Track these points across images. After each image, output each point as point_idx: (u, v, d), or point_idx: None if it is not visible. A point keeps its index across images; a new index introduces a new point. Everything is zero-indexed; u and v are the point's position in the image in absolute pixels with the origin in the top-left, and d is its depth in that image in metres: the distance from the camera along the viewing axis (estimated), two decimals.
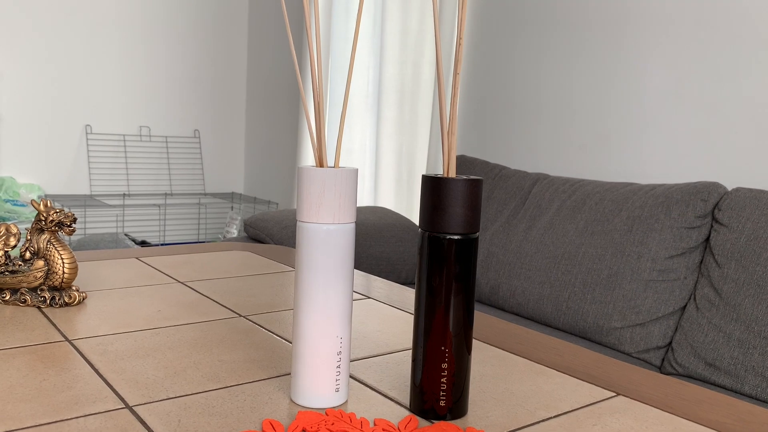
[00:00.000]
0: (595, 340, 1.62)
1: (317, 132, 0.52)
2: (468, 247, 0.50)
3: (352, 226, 0.52)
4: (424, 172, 2.60)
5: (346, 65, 2.83)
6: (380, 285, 0.95)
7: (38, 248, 0.74)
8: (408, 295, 0.90)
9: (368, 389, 0.57)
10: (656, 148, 1.85)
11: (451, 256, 0.49)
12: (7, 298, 0.74)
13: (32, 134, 3.14)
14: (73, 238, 3.08)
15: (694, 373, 1.45)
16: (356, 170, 0.52)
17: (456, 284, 0.50)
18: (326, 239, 0.50)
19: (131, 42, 3.34)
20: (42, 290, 0.74)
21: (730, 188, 1.58)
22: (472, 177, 0.49)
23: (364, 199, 2.71)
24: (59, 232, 0.75)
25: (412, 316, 0.79)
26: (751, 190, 1.50)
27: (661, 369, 1.54)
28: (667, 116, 1.83)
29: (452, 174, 0.50)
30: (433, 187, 0.49)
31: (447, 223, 0.49)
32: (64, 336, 0.65)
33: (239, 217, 3.39)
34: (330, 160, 2.71)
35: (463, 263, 0.50)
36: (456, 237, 0.49)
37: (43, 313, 0.72)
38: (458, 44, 0.49)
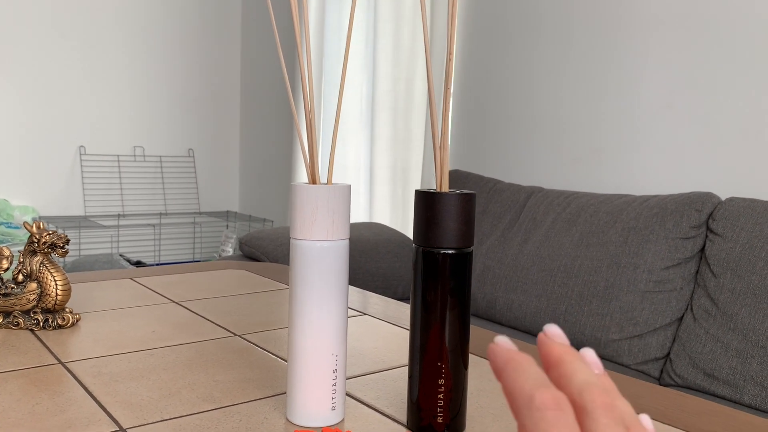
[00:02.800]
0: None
1: (309, 149, 0.52)
2: (462, 262, 0.49)
3: (346, 242, 0.52)
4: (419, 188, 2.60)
5: (339, 83, 2.84)
6: (376, 301, 0.94)
7: (31, 270, 0.74)
8: (404, 310, 0.89)
9: (365, 407, 0.56)
10: (650, 159, 1.86)
11: (445, 270, 0.49)
12: (0, 321, 0.74)
13: (26, 156, 3.14)
14: (68, 259, 3.06)
15: (693, 384, 1.44)
16: (349, 186, 0.52)
17: (451, 299, 0.49)
18: (320, 256, 0.50)
19: (124, 62, 3.35)
20: (35, 313, 0.74)
21: (723, 198, 1.58)
22: (465, 191, 0.49)
23: (359, 216, 2.71)
24: (52, 254, 0.75)
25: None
26: (744, 200, 1.51)
27: (660, 380, 1.53)
28: (660, 127, 1.84)
29: (445, 188, 0.50)
30: (426, 202, 0.49)
31: (441, 238, 0.49)
32: (57, 359, 0.64)
33: (234, 236, 3.38)
34: (323, 177, 2.69)
35: (457, 278, 0.49)
36: (450, 251, 0.49)
37: (36, 335, 0.72)
38: (448, 60, 0.49)
